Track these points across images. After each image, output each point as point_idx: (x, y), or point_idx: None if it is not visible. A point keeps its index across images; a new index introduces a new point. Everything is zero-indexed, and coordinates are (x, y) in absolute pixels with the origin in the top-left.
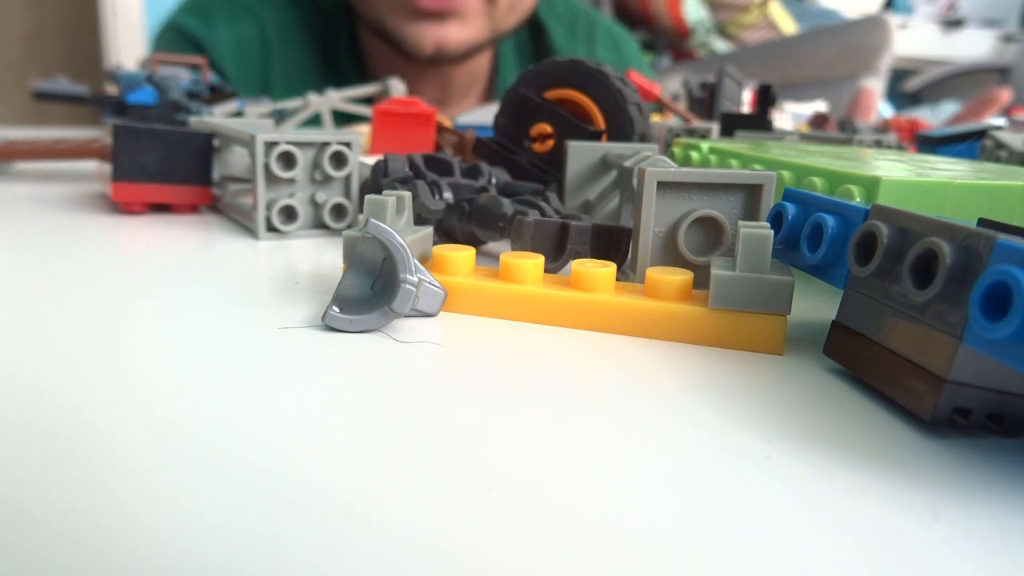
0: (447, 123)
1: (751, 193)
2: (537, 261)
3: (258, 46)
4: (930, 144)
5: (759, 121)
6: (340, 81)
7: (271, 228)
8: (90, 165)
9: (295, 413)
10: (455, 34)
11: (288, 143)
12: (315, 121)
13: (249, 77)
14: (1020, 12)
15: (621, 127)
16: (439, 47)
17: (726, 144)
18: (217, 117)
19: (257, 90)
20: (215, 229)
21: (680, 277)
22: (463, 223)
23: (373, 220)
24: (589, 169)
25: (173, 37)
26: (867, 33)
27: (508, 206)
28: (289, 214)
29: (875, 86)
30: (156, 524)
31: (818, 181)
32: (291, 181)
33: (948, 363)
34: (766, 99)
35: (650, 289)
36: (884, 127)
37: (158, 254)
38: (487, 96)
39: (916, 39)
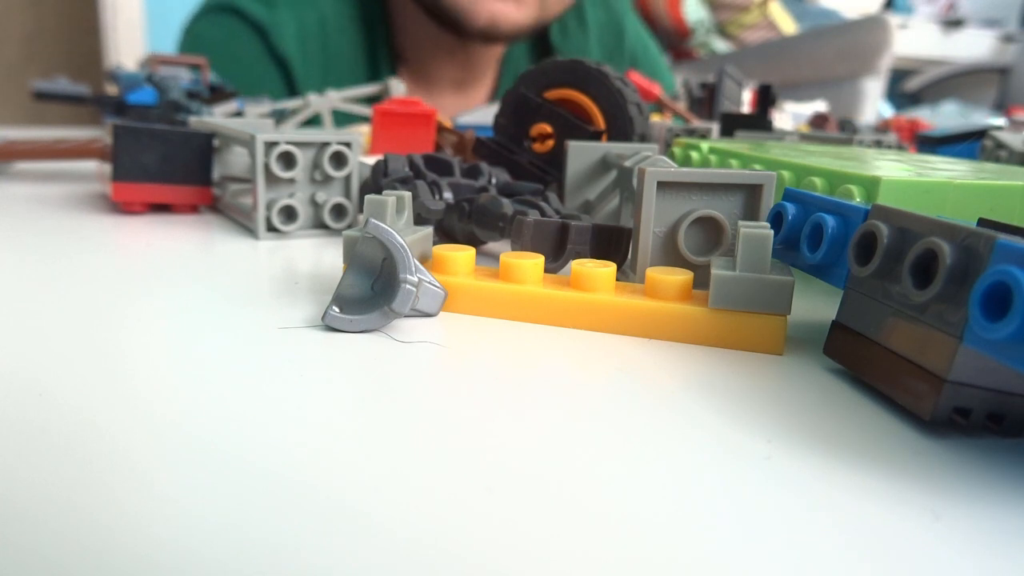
0: (447, 123)
1: (751, 193)
2: (537, 261)
3: (319, 33)
4: (930, 144)
5: (759, 121)
6: (378, 70)
7: (271, 228)
8: (90, 165)
9: (295, 413)
10: (510, 12)
11: (288, 143)
12: (315, 121)
13: (311, 64)
14: (1020, 12)
15: (621, 127)
16: (492, 22)
17: (726, 144)
18: (217, 117)
19: (318, 78)
20: (215, 229)
21: (680, 277)
22: (463, 223)
23: (373, 220)
24: (589, 169)
25: (227, 19)
26: (867, 33)
27: (508, 206)
28: (289, 214)
29: (875, 86)
30: (156, 524)
31: (818, 181)
32: (291, 181)
33: (948, 363)
34: (766, 99)
35: (650, 289)
36: (884, 127)
37: (158, 254)
38: (498, 80)
39: (916, 39)
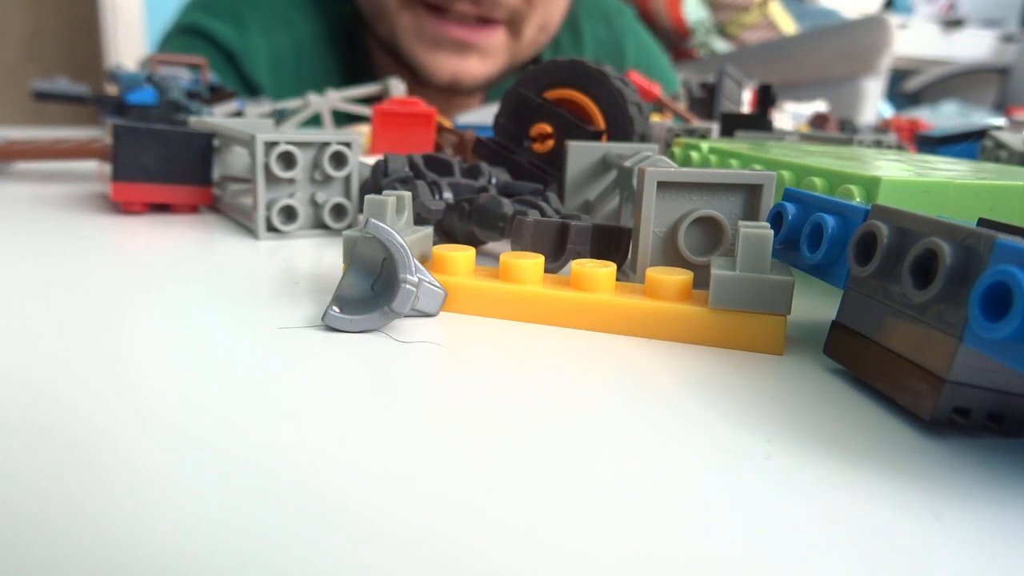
0: (447, 123)
1: (751, 193)
2: (537, 261)
3: (293, 57)
4: (930, 144)
5: (759, 121)
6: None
7: (271, 228)
8: (90, 165)
9: (295, 413)
10: (473, 68)
11: (288, 143)
12: (315, 121)
13: (284, 89)
14: (1020, 12)
15: (621, 127)
16: (455, 79)
17: (726, 144)
18: (217, 117)
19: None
20: (215, 229)
21: (680, 277)
22: (463, 223)
23: (373, 220)
24: (589, 169)
25: (196, 43)
26: (867, 33)
27: (508, 206)
28: (289, 214)
29: (875, 86)
30: (156, 524)
31: (818, 181)
32: (291, 181)
33: (948, 363)
34: (766, 99)
35: (650, 289)
36: (884, 127)
37: (158, 254)
38: (482, 102)
39: (916, 39)
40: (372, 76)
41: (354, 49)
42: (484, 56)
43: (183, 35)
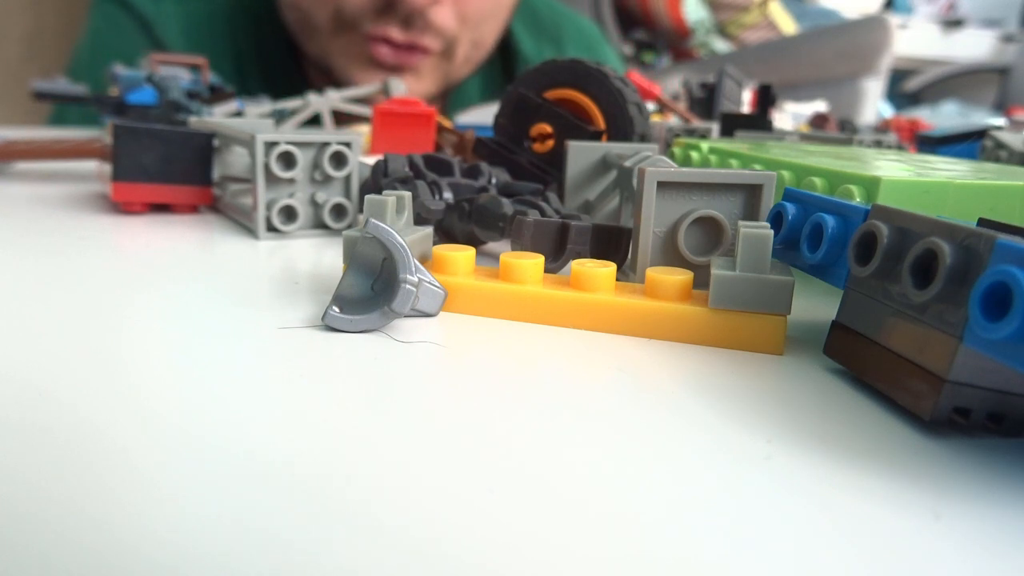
0: (447, 123)
1: (751, 193)
2: (537, 261)
3: (207, 26)
4: (930, 144)
5: (759, 121)
6: (274, 77)
7: (271, 228)
8: (90, 165)
9: (295, 413)
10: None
11: (288, 143)
12: (314, 120)
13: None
14: (1020, 12)
15: (621, 127)
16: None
17: (726, 144)
18: (217, 117)
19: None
20: (215, 229)
21: (680, 277)
22: (463, 223)
23: (373, 220)
24: (589, 169)
25: (114, 10)
26: (867, 33)
27: (508, 206)
28: (289, 214)
29: (875, 86)
30: (156, 524)
31: (818, 181)
32: (291, 181)
33: (948, 363)
34: (766, 99)
35: (650, 289)
36: (884, 127)
37: (158, 254)
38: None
39: (916, 39)
40: (293, 50)
41: (273, 21)
42: (417, 76)
43: (103, 2)
